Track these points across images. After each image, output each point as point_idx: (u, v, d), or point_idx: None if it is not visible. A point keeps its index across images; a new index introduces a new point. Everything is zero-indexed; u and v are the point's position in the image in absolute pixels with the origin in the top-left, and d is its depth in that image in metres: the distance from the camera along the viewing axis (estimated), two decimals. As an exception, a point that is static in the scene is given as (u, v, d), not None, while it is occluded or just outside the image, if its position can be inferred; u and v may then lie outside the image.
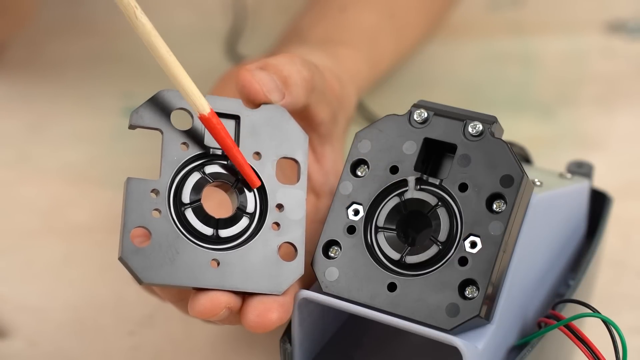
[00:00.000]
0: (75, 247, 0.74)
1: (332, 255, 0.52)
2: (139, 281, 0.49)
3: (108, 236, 0.67)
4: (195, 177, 0.51)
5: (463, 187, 0.51)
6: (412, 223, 0.52)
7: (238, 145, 0.52)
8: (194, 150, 0.52)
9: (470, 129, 0.52)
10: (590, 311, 0.52)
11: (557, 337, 0.53)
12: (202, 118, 0.50)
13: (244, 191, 0.52)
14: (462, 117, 0.52)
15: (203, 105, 0.50)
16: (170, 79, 0.50)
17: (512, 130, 0.59)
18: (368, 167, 0.53)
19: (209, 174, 0.52)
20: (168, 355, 0.67)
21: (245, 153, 0.52)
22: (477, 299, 0.49)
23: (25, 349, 0.67)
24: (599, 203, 0.63)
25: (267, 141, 0.53)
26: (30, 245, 0.75)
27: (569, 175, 0.61)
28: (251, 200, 0.52)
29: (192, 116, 0.52)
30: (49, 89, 0.88)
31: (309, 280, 0.53)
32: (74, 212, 0.77)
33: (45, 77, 0.89)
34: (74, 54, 0.92)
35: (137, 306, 0.69)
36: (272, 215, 0.52)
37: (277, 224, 0.52)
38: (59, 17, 0.94)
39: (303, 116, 0.57)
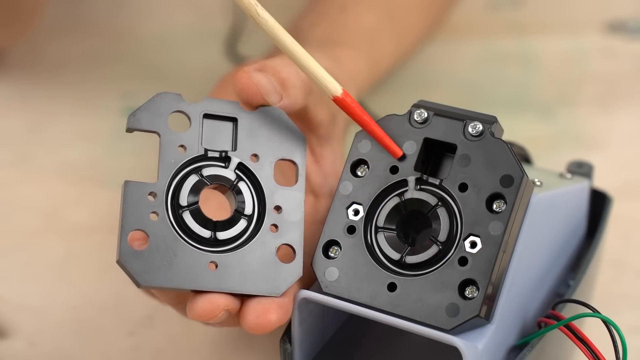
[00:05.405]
0: (75, 247, 0.74)
1: (332, 255, 0.52)
2: (137, 284, 0.49)
3: (108, 236, 0.67)
4: (192, 179, 0.51)
5: (463, 187, 0.51)
6: (412, 223, 0.52)
7: (235, 148, 0.52)
8: (192, 153, 0.52)
9: (470, 129, 0.52)
10: (590, 311, 0.52)
11: (557, 337, 0.53)
12: (336, 100, 0.52)
13: (242, 193, 0.52)
14: (462, 117, 0.52)
15: (335, 87, 0.52)
16: (299, 66, 0.52)
17: (512, 130, 0.59)
18: (368, 167, 0.53)
19: (206, 176, 0.52)
20: (168, 355, 0.66)
21: (243, 155, 0.52)
22: (477, 299, 0.49)
23: (25, 349, 0.67)
24: (599, 203, 0.63)
25: (265, 143, 0.53)
26: (30, 245, 0.75)
27: (569, 175, 0.61)
28: (249, 202, 0.52)
29: (189, 119, 0.52)
30: (49, 89, 0.88)
31: (309, 281, 0.53)
32: (74, 212, 0.77)
33: (45, 77, 0.89)
34: (74, 54, 0.92)
35: (137, 306, 0.69)
36: (270, 217, 0.52)
37: (275, 226, 0.52)
38: (59, 18, 0.94)
39: (301, 118, 0.57)
